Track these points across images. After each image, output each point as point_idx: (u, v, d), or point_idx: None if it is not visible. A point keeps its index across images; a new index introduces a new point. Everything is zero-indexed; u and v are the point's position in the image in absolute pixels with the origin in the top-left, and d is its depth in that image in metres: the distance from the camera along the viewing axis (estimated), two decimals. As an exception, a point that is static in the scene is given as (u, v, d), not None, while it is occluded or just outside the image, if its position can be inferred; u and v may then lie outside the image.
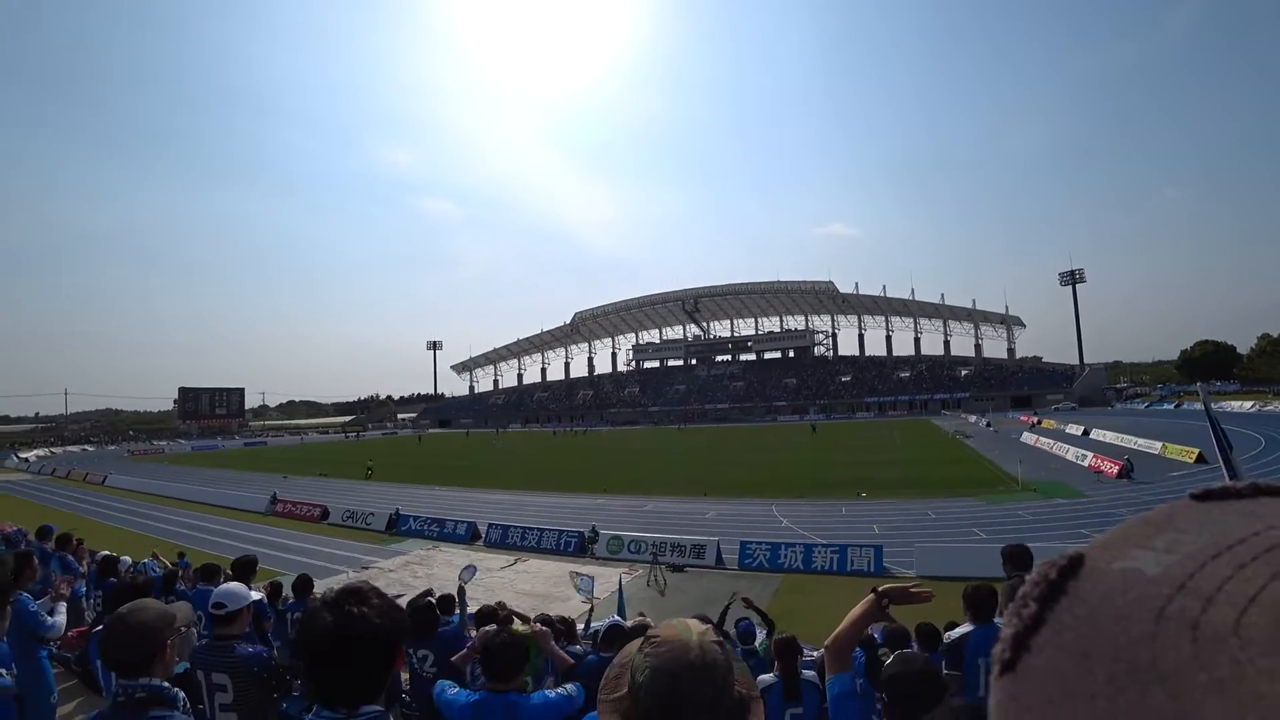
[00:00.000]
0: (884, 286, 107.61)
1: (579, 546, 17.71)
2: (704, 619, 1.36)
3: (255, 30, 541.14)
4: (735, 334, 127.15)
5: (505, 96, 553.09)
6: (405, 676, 5.50)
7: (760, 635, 6.24)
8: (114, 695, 2.01)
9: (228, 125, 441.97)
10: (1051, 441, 37.29)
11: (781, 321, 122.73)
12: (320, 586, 7.89)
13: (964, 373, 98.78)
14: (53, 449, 72.58)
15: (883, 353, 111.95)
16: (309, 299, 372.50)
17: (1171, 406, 68.19)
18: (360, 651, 1.39)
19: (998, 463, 31.10)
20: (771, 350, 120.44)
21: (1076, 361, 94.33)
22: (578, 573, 11.22)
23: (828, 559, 14.89)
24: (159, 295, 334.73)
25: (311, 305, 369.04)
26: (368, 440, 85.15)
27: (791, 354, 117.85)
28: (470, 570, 7.44)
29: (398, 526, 21.24)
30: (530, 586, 14.49)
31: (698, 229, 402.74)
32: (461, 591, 6.57)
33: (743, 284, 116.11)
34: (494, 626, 4.40)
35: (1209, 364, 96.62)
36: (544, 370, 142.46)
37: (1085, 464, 28.78)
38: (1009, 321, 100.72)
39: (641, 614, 8.64)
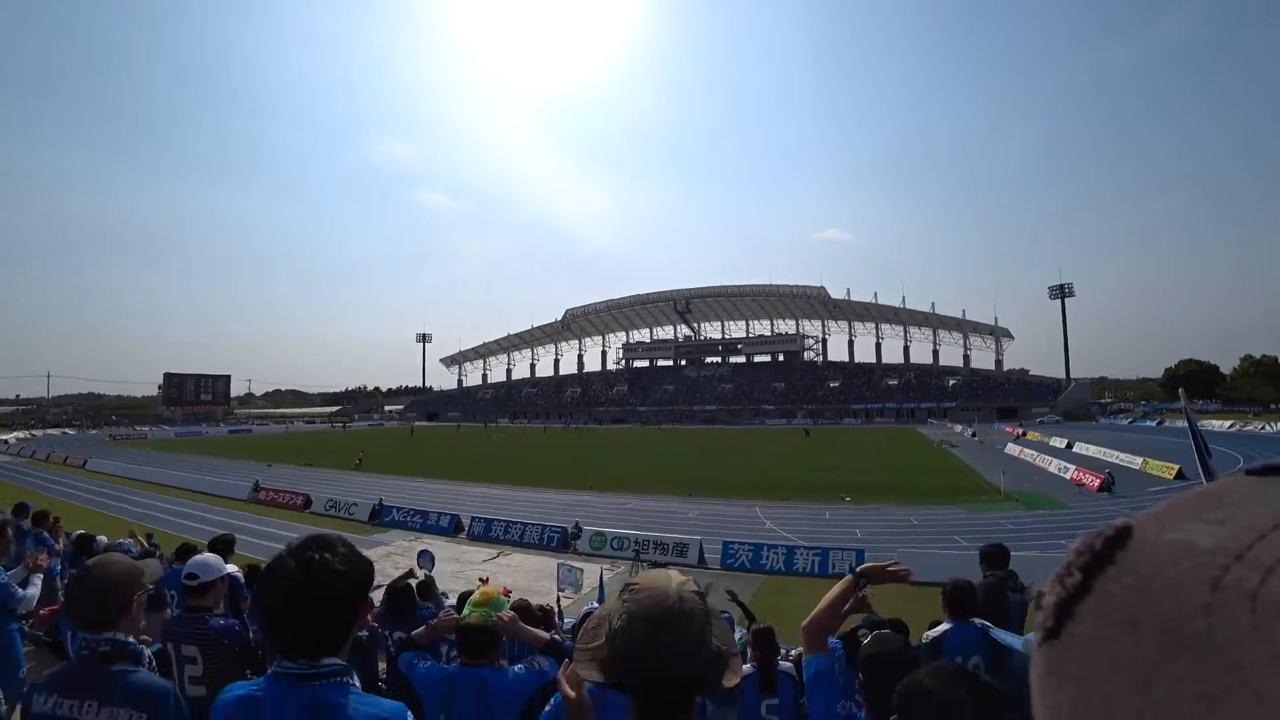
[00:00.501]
0: (875, 293, 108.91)
1: (562, 542, 17.66)
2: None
3: (250, 24, 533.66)
4: (726, 336, 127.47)
5: (502, 91, 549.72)
6: (382, 666, 5.46)
7: (740, 631, 6.25)
8: (78, 649, 1.98)
9: (222, 120, 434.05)
10: (1035, 453, 37.59)
11: (772, 325, 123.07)
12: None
13: (951, 382, 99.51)
14: (33, 432, 71.54)
15: (872, 360, 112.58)
16: (301, 291, 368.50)
17: (1154, 424, 68.87)
18: (322, 600, 1.36)
19: (982, 473, 31.29)
20: (761, 353, 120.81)
21: (1063, 375, 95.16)
22: (568, 565, 11.15)
23: (809, 561, 14.94)
24: (146, 282, 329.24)
25: (303, 297, 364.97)
26: (355, 431, 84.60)
27: (781, 358, 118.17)
28: (426, 556, 7.33)
29: (381, 517, 21.11)
30: (512, 580, 14.39)
31: (692, 229, 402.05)
32: (431, 581, 6.52)
33: (734, 286, 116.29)
34: (454, 609, 4.35)
35: (1192, 382, 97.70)
36: (533, 366, 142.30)
37: (1068, 476, 29.01)
38: (997, 333, 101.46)
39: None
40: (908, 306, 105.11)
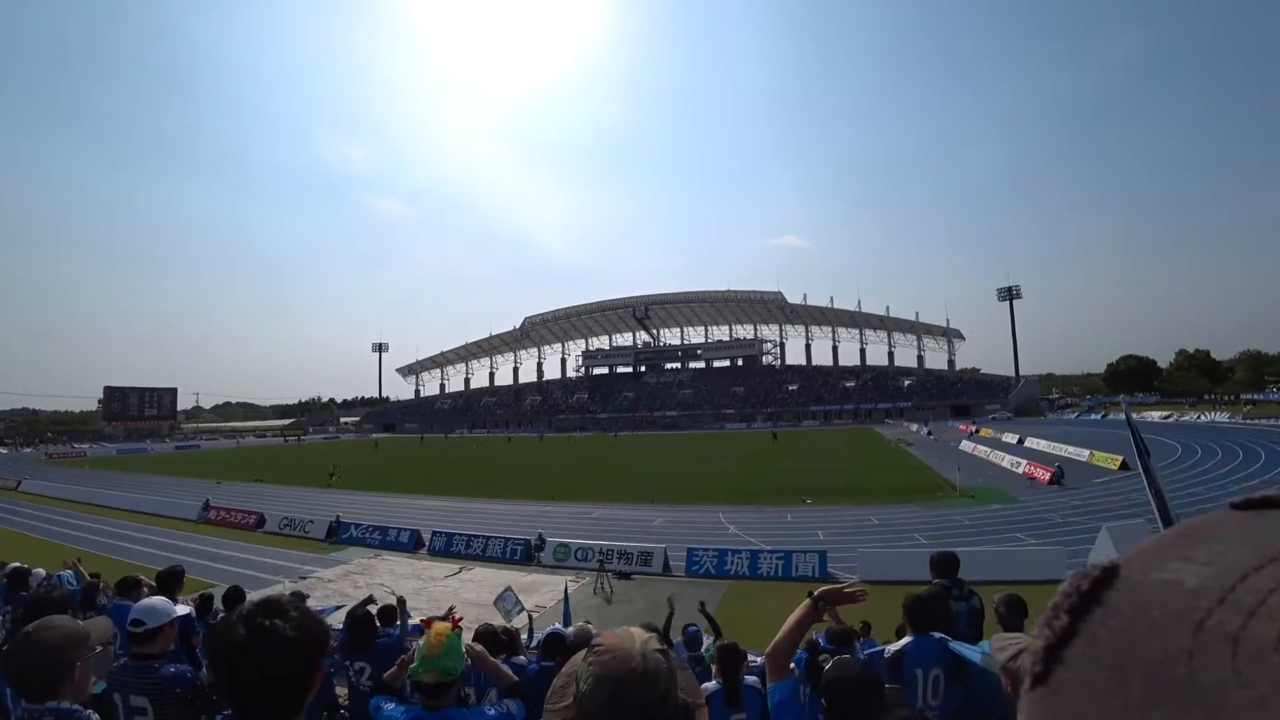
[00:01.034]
0: (831, 298, 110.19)
1: (525, 554, 17.50)
2: (650, 627, 1.36)
3: (201, 12, 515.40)
4: (685, 342, 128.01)
5: (461, 94, 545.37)
6: (344, 691, 5.32)
7: (707, 642, 6.28)
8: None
9: (160, 109, 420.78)
10: (988, 449, 38.81)
11: (731, 330, 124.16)
12: (254, 599, 7.60)
13: (907, 383, 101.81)
14: (-39, 452, 67.99)
15: (829, 362, 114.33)
16: (248, 297, 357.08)
17: (1098, 417, 71.63)
18: (274, 666, 1.31)
19: (938, 470, 32.14)
20: (720, 358, 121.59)
21: (1013, 373, 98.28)
22: (509, 591, 11.19)
23: (773, 565, 15.11)
24: (82, 286, 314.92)
25: (250, 304, 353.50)
26: (311, 444, 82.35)
27: (740, 362, 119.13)
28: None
29: (338, 534, 20.63)
30: (476, 595, 14.21)
31: (651, 236, 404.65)
32: (402, 602, 6.40)
33: (693, 292, 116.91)
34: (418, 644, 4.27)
35: (1132, 377, 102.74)
36: (492, 375, 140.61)
37: (1019, 471, 30.00)
38: (950, 334, 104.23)
39: (586, 622, 8.60)
40: (863, 310, 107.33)
